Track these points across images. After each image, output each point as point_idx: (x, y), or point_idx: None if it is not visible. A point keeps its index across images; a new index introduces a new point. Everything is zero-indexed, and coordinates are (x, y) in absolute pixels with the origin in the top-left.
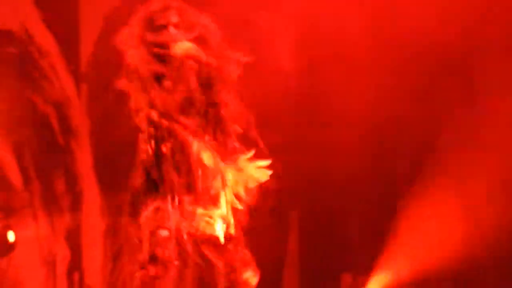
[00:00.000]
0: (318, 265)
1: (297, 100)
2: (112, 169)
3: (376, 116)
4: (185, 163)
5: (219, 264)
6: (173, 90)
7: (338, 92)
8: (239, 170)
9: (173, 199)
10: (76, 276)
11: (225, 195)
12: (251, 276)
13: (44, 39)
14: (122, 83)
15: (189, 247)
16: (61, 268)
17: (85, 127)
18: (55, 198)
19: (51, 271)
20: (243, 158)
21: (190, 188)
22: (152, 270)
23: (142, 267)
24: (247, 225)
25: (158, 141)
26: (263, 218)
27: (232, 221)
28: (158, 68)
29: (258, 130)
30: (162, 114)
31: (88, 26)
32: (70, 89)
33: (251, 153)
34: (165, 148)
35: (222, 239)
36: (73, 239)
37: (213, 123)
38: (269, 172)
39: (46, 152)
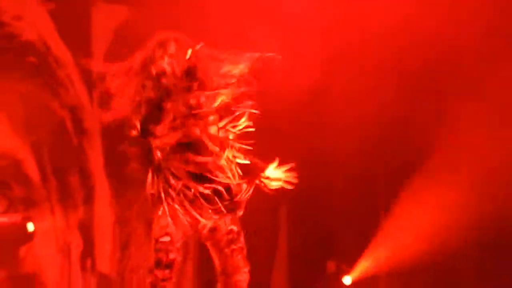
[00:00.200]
0: (306, 254)
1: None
2: (121, 167)
3: (361, 111)
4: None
5: (216, 263)
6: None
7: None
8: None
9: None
10: (88, 263)
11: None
12: (243, 280)
13: (60, 50)
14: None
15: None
16: (75, 256)
17: (96, 129)
18: (69, 193)
19: (66, 258)
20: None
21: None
22: (160, 274)
23: (150, 272)
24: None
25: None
26: (256, 214)
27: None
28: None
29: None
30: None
31: (99, 38)
32: (83, 96)
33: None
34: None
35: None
36: (86, 230)
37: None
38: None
39: (62, 152)
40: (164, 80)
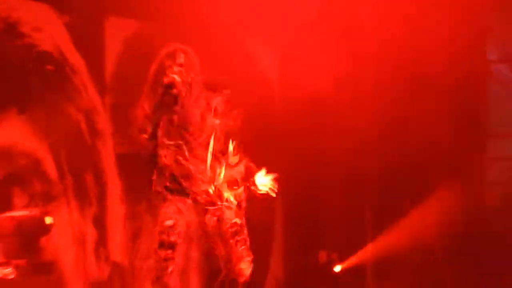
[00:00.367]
0: (300, 244)
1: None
2: (130, 165)
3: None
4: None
5: (221, 253)
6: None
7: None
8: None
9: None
10: (102, 252)
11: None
12: (245, 268)
13: (75, 59)
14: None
15: (196, 236)
16: (90, 246)
17: (108, 130)
18: (84, 189)
19: (81, 248)
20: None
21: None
22: (162, 254)
23: (154, 252)
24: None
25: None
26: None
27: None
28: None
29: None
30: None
31: (112, 48)
32: (96, 100)
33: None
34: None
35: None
36: (99, 222)
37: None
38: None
39: (77, 152)
40: (174, 89)
